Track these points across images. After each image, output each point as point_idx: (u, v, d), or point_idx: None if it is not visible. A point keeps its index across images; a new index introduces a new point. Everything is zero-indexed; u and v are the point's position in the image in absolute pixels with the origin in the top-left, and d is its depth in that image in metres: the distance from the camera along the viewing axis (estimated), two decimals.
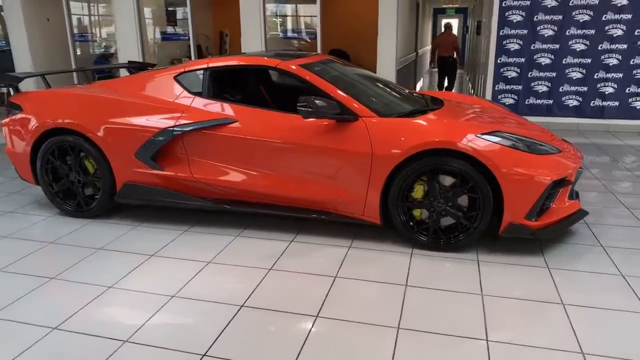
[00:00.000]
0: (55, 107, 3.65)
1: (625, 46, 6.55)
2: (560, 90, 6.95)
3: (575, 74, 6.83)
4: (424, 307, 2.49)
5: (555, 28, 6.73)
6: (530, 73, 6.99)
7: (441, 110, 3.43)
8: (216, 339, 2.23)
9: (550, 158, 3.00)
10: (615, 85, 6.72)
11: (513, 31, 6.89)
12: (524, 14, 6.79)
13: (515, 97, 7.13)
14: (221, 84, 3.58)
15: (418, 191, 3.07)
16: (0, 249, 3.25)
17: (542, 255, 3.04)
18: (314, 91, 3.29)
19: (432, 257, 3.04)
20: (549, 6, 6.67)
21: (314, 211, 3.31)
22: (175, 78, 3.58)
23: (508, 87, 7.13)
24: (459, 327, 2.30)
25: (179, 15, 9.77)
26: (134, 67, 4.99)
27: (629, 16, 6.44)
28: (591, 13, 6.55)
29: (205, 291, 2.66)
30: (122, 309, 2.50)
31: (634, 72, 6.62)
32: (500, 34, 6.95)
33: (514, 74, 7.05)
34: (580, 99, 6.89)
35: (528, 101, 7.09)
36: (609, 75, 6.70)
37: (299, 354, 2.12)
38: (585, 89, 6.84)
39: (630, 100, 6.73)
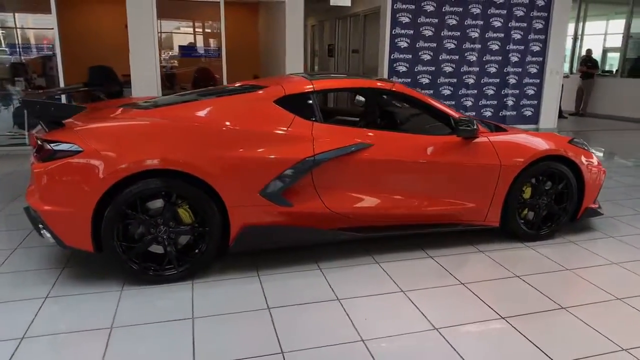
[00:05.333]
0: (143, 143, 2.77)
1: (477, 69, 8.46)
2: None
3: (446, 91, 8.43)
4: (621, 280, 3.06)
5: (432, 53, 8.18)
6: None
7: (507, 126, 4.06)
8: None
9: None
10: (472, 99, 8.60)
11: (401, 55, 8.05)
12: (408, 40, 8.02)
13: None
14: (332, 108, 3.36)
15: (527, 192, 3.61)
16: (157, 340, 2.35)
17: (599, 229, 3.99)
18: (431, 112, 3.50)
19: (544, 245, 3.61)
20: (426, 35, 8.07)
21: (440, 225, 3.47)
22: (277, 102, 3.18)
23: None
24: None
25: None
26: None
27: (479, 46, 8.36)
28: (455, 42, 8.23)
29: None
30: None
31: (484, 89, 8.61)
32: (392, 57, 8.02)
33: None
34: None
35: None
36: (468, 92, 8.52)
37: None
38: (453, 102, 8.50)
39: (482, 110, 8.71)
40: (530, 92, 8.83)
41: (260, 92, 3.25)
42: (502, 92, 8.67)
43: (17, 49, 7.31)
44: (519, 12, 8.34)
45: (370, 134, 3.27)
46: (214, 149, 2.87)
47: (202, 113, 3.07)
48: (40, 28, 8.05)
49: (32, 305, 2.65)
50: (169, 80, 8.12)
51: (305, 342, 2.35)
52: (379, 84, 3.62)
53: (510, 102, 8.74)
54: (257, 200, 2.96)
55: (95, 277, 2.98)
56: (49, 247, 3.43)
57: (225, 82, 7.55)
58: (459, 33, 8.18)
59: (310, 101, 3.25)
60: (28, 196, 2.91)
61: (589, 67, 11.90)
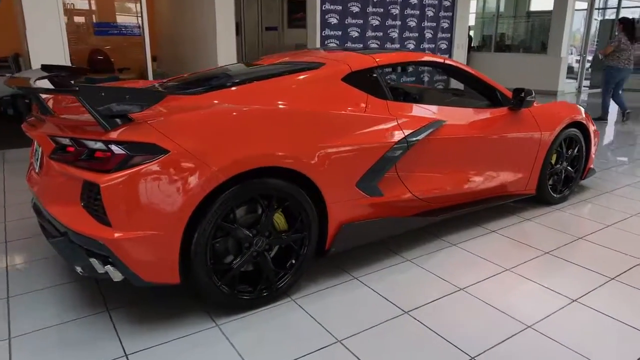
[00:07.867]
0: (240, 136, 2.17)
1: (398, 45, 8.69)
2: None
3: None
4: None
5: (359, 30, 8.14)
6: None
7: None
8: None
9: None
10: (394, 75, 8.83)
11: (332, 32, 7.85)
12: (338, 17, 7.84)
13: None
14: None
15: (553, 158, 3.81)
16: None
17: (590, 188, 4.41)
18: (480, 84, 3.44)
19: (568, 207, 3.87)
20: (354, 12, 7.98)
21: (492, 199, 3.47)
22: (344, 80, 2.79)
23: None
24: None
25: None
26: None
27: (399, 22, 8.57)
28: (379, 19, 8.31)
29: None
30: None
31: None
32: (323, 34, 7.78)
33: None
34: None
35: None
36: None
37: None
38: None
39: None
40: None
41: (324, 69, 2.82)
42: (419, 68, 9.07)
43: None
44: None
45: (439, 110, 3.09)
46: (311, 138, 2.41)
47: (279, 96, 2.52)
48: None
49: None
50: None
51: (484, 342, 2.14)
52: (431, 57, 3.44)
53: (426, 78, 9.22)
54: (354, 194, 2.60)
55: (164, 316, 2.31)
56: (55, 286, 2.58)
57: (149, 63, 6.52)
58: (382, 10, 8.27)
59: (377, 77, 2.92)
60: (68, 220, 2.10)
61: None
